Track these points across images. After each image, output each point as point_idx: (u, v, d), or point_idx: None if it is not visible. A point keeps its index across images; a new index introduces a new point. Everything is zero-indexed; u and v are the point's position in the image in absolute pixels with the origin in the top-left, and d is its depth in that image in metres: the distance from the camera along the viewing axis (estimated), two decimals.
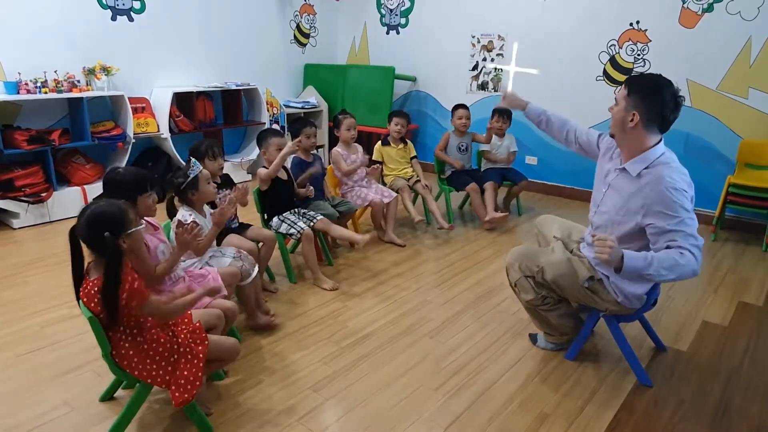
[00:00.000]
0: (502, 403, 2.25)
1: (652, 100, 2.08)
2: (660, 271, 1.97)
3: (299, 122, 3.69)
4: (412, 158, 4.47)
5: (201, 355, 1.91)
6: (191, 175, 2.51)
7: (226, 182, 3.15)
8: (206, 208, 2.67)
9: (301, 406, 2.20)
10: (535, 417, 2.17)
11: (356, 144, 4.08)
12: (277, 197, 3.34)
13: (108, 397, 2.21)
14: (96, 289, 1.74)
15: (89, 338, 2.50)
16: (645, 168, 2.14)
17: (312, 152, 3.70)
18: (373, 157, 4.36)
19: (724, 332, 2.89)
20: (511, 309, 3.05)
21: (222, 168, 3.02)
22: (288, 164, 3.49)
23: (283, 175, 3.33)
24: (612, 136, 2.26)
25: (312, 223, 3.31)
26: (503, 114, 4.71)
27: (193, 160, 2.59)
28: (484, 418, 2.15)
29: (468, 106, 4.69)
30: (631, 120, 2.11)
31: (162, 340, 1.89)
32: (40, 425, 2.06)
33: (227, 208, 2.55)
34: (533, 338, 2.72)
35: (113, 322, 1.78)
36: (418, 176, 4.41)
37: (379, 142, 4.41)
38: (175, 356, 1.90)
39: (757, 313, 3.12)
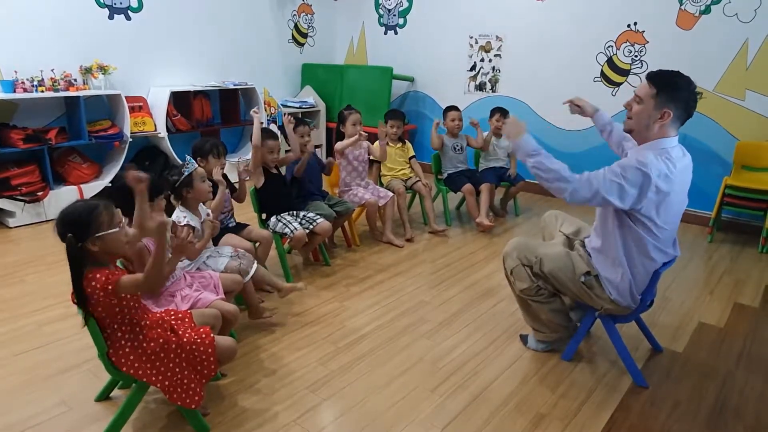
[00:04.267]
0: (498, 403, 2.25)
1: (681, 97, 2.09)
2: (542, 165, 2.16)
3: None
4: (410, 158, 4.47)
5: (213, 366, 1.94)
6: (185, 173, 2.51)
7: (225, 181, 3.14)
8: (202, 207, 2.67)
9: (298, 406, 2.20)
10: (532, 418, 2.17)
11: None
12: (274, 196, 3.34)
13: (104, 396, 2.20)
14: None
15: (86, 337, 2.49)
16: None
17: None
18: (371, 156, 4.37)
19: (720, 333, 2.90)
20: (508, 310, 3.05)
21: (223, 167, 3.04)
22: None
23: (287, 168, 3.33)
24: (628, 131, 2.24)
25: (312, 226, 3.31)
26: (505, 114, 4.70)
27: (188, 158, 2.59)
28: (481, 419, 2.15)
29: (460, 108, 4.69)
30: (661, 117, 2.11)
31: (161, 340, 1.89)
32: (36, 424, 2.06)
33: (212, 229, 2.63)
34: (524, 339, 2.73)
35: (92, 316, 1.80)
36: (417, 176, 4.41)
37: (377, 141, 4.40)
38: (177, 358, 1.90)
39: (753, 315, 3.13)
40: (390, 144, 4.38)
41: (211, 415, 2.11)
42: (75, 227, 1.73)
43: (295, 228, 3.23)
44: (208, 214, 2.70)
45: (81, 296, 1.75)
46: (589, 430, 2.11)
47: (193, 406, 1.91)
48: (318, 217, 3.36)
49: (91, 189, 4.57)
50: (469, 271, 3.62)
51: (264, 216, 3.41)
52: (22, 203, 4.21)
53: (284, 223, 3.27)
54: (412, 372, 2.46)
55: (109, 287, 1.73)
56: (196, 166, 2.57)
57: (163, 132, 5.04)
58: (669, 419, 2.19)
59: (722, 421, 2.19)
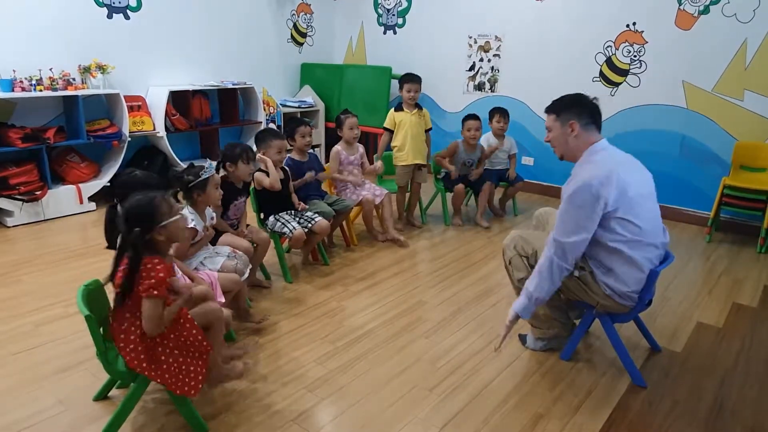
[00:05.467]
0: (497, 403, 2.25)
1: (579, 108, 2.32)
2: (541, 295, 2.28)
3: (294, 122, 3.69)
4: (427, 131, 4.44)
5: (205, 342, 1.96)
6: (203, 176, 2.52)
7: (246, 189, 3.14)
8: (208, 210, 2.67)
9: (296, 406, 2.19)
10: (530, 417, 2.17)
11: (358, 144, 4.07)
12: (273, 196, 3.33)
13: (102, 396, 2.20)
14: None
15: (84, 337, 2.50)
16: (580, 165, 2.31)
17: (308, 152, 3.70)
18: (385, 124, 4.38)
19: (719, 333, 2.91)
20: (507, 309, 3.04)
21: (252, 173, 3.03)
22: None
23: (280, 174, 3.33)
24: (561, 158, 2.42)
25: (310, 225, 3.31)
26: (504, 114, 4.69)
27: (209, 162, 2.60)
28: (480, 419, 2.15)
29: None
30: (572, 130, 2.30)
31: (172, 336, 1.91)
32: (34, 424, 2.05)
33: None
34: (523, 339, 2.73)
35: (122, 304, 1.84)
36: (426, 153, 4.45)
37: (393, 108, 4.37)
38: (184, 353, 1.92)
39: (751, 315, 3.14)
40: (405, 110, 4.36)
41: (209, 415, 2.10)
42: (142, 220, 1.79)
43: (294, 227, 3.23)
44: (212, 218, 2.71)
45: (129, 285, 1.78)
46: (588, 429, 2.11)
47: (193, 393, 1.90)
48: (316, 215, 3.36)
49: (90, 188, 4.57)
50: (467, 271, 3.62)
51: (262, 215, 3.41)
52: (21, 203, 4.21)
53: (282, 223, 3.27)
54: (411, 371, 2.46)
55: (158, 288, 1.78)
56: (214, 172, 2.58)
57: (161, 131, 5.04)
58: (667, 419, 2.19)
59: (720, 420, 2.19)
